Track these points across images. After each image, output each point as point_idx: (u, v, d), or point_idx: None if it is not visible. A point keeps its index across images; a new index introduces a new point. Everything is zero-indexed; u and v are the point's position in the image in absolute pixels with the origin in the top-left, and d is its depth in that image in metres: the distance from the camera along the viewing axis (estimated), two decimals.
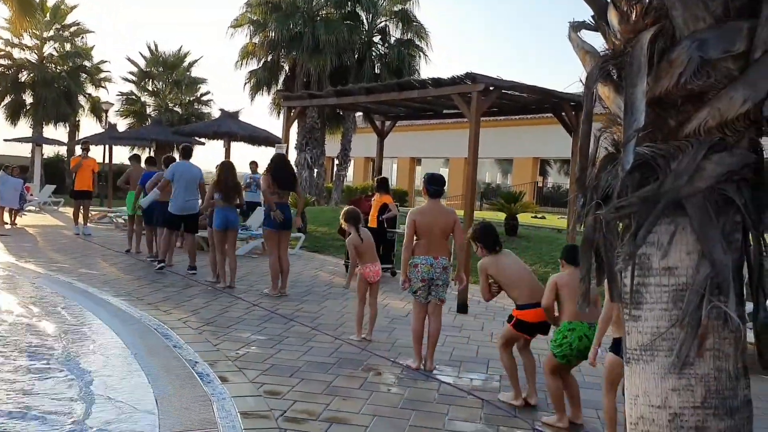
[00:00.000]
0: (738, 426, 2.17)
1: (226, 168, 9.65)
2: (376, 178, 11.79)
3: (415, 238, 6.00)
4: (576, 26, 2.58)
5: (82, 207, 15.16)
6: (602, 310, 4.35)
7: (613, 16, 2.43)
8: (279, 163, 9.41)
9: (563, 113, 10.07)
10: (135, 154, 15.29)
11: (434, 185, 6.13)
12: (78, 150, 20.06)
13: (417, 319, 6.12)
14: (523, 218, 16.96)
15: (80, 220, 15.25)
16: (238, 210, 9.82)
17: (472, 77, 8.54)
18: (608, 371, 4.41)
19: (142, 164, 13.38)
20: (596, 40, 2.56)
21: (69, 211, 19.59)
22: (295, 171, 9.82)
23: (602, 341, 4.43)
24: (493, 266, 5.26)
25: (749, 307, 2.34)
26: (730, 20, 2.16)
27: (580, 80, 2.35)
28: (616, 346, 4.29)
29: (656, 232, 2.23)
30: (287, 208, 9.20)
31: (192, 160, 10.73)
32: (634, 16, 2.31)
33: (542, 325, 5.15)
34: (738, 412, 2.17)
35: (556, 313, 4.86)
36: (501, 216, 16.10)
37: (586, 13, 2.66)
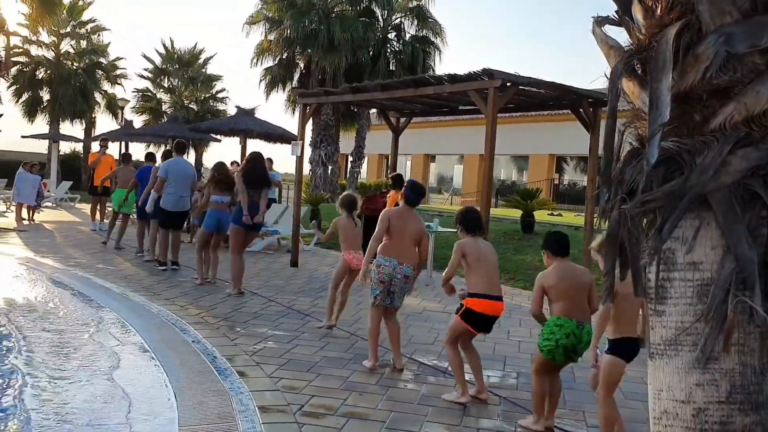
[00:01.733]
0: (763, 421, 2.15)
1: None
2: (390, 175, 11.76)
3: (385, 237, 5.87)
4: (600, 21, 2.58)
5: (99, 203, 15.31)
6: (599, 309, 4.27)
7: (637, 11, 2.42)
8: (252, 162, 8.98)
9: (581, 110, 10.00)
10: (127, 153, 15.72)
11: (414, 194, 6.05)
12: (95, 146, 20.21)
13: (373, 320, 5.96)
14: (540, 215, 16.91)
15: (98, 216, 15.39)
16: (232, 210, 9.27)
17: (489, 73, 8.50)
18: (606, 374, 4.20)
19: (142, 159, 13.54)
20: (619, 36, 2.55)
21: (85, 207, 19.77)
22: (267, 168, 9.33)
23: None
24: (471, 245, 5.16)
25: None
26: (757, 15, 2.14)
27: (605, 75, 2.35)
28: (613, 348, 4.18)
29: (681, 226, 2.21)
30: (257, 207, 8.74)
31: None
32: (659, 10, 2.29)
33: (488, 319, 5.11)
34: (763, 407, 2.16)
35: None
36: (517, 213, 16.09)
37: (609, 9, 2.65)
